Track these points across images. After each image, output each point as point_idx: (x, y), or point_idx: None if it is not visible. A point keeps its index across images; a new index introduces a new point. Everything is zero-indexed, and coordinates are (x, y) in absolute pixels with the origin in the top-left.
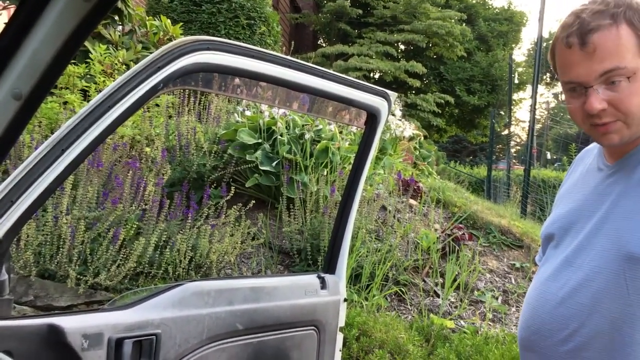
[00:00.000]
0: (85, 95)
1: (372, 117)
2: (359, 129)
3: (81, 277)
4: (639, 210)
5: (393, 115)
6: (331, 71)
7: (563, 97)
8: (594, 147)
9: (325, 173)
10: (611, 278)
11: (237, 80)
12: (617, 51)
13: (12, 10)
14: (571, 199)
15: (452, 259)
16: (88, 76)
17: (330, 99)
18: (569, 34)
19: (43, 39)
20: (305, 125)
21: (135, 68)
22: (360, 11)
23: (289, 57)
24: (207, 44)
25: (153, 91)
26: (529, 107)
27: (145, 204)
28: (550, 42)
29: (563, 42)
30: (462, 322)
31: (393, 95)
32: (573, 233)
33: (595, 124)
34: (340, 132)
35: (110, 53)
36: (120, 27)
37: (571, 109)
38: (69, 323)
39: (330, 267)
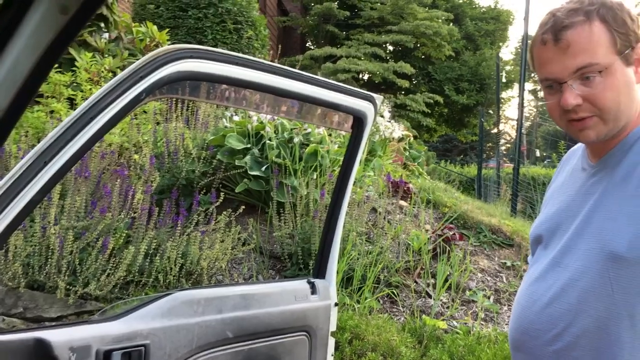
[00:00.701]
0: (72, 103)
1: (359, 121)
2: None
3: (71, 287)
4: (622, 210)
5: (382, 116)
6: (316, 76)
7: (541, 94)
8: (578, 147)
9: (314, 176)
10: (596, 278)
11: (222, 87)
12: (590, 47)
13: None
14: (558, 200)
15: (443, 260)
16: (74, 84)
17: (316, 104)
18: (544, 31)
19: (19, 54)
20: (294, 129)
21: (117, 77)
22: (348, 13)
23: (273, 64)
24: (190, 52)
25: (136, 101)
26: (518, 105)
27: (134, 212)
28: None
29: (539, 39)
30: (454, 322)
31: (379, 98)
32: (559, 234)
33: (571, 119)
34: (330, 135)
35: (96, 61)
36: (106, 34)
37: (549, 106)
38: (56, 336)
39: (320, 271)
